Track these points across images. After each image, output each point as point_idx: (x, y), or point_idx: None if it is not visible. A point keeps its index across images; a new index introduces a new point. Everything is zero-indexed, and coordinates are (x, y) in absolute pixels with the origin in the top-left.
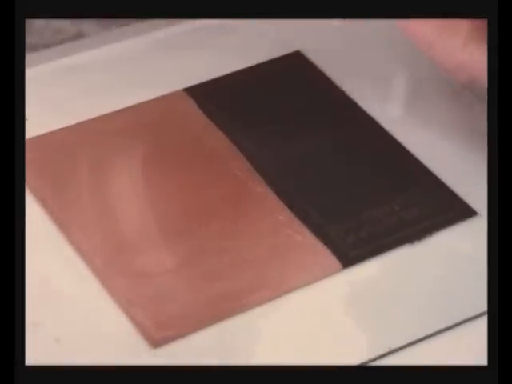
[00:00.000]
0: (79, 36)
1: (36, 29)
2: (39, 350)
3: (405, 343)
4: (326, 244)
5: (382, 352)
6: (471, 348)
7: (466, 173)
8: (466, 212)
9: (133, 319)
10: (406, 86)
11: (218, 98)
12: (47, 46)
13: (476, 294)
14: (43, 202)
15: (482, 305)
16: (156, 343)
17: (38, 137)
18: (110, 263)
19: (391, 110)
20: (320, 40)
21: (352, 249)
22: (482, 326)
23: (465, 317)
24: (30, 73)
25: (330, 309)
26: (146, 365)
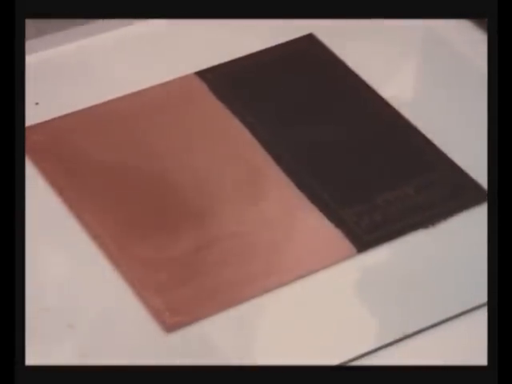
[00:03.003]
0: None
1: None
2: (51, 336)
3: (418, 329)
4: (340, 228)
5: (395, 337)
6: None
7: (482, 157)
8: (482, 196)
9: (146, 304)
10: (421, 69)
11: (229, 81)
12: (59, 29)
13: None
14: (55, 187)
15: None
16: (169, 328)
17: (49, 120)
18: (124, 248)
19: (406, 93)
20: (332, 23)
21: (366, 233)
22: None
23: (481, 302)
24: (41, 56)
25: (345, 293)
26: (160, 349)
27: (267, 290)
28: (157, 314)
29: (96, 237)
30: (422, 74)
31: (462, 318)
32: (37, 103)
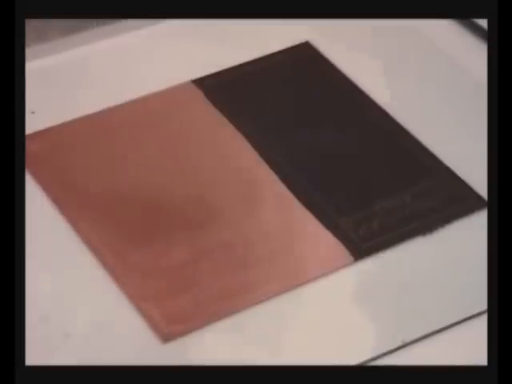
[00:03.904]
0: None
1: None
2: (47, 345)
3: (418, 336)
4: (337, 236)
5: (394, 346)
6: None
7: (478, 163)
8: (479, 203)
9: (143, 313)
10: (417, 75)
11: (226, 88)
12: (57, 36)
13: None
14: (51, 195)
15: None
16: (166, 337)
17: (46, 129)
18: (120, 257)
19: (402, 100)
20: (329, 30)
21: (364, 241)
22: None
23: (481, 309)
24: (38, 65)
25: (342, 302)
26: (156, 359)
27: (264, 300)
28: (153, 324)
29: (93, 246)
30: (418, 82)
31: (462, 325)
32: (33, 112)
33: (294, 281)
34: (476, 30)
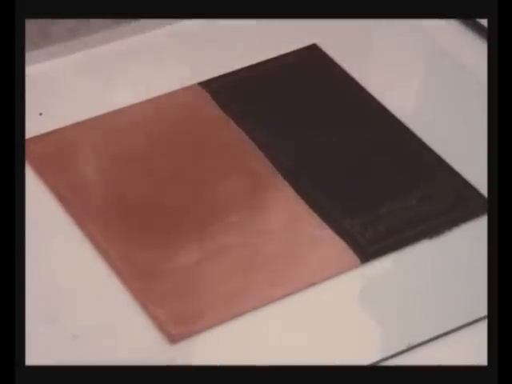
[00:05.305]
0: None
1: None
2: (56, 346)
3: (423, 340)
4: (343, 238)
5: (400, 349)
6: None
7: (485, 166)
8: (485, 206)
9: (151, 315)
10: (423, 78)
11: (233, 91)
12: (63, 40)
13: None
14: (58, 197)
15: None
16: (174, 339)
17: (52, 131)
18: (127, 259)
19: (407, 102)
20: (336, 33)
21: (370, 244)
22: None
23: (485, 313)
24: (46, 66)
25: (348, 304)
26: (164, 360)
27: (270, 301)
28: (161, 325)
29: (99, 247)
30: (420, 82)
31: (467, 329)
32: (40, 113)
33: (301, 283)
34: (476, 28)
